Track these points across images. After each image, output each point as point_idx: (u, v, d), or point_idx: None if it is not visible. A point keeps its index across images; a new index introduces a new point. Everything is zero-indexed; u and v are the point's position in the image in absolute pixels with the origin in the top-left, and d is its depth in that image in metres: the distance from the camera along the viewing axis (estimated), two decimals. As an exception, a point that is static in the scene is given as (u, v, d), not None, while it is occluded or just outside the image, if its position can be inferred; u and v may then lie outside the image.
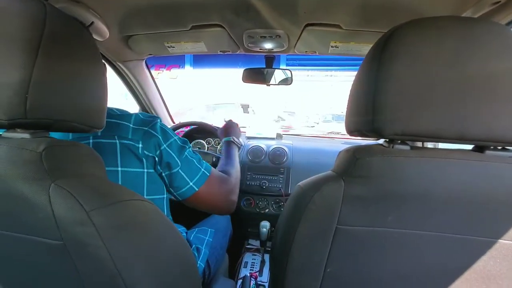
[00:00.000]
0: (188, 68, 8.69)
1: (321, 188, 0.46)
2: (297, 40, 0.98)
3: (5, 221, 0.41)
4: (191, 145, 0.74)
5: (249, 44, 1.03)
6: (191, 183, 0.67)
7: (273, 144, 1.54)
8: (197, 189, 0.68)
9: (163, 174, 0.64)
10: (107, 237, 0.39)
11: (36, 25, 0.39)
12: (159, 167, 0.63)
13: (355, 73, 0.51)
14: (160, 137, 0.63)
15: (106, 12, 0.86)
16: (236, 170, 0.91)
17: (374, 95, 0.43)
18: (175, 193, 0.68)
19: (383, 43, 0.43)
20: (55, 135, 0.46)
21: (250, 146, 1.51)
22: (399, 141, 0.45)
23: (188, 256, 0.57)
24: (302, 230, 0.49)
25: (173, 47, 1.08)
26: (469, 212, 0.44)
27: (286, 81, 1.20)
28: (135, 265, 0.42)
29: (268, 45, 1.02)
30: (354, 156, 0.45)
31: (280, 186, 1.37)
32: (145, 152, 0.60)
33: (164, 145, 0.63)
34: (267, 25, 0.90)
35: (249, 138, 1.69)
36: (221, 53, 1.13)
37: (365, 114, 0.45)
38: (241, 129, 1.81)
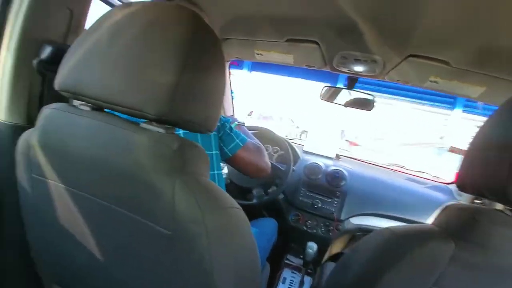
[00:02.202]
0: (245, 70, 8.73)
1: (426, 243, 0.43)
2: (393, 68, 0.94)
3: (130, 202, 0.46)
4: None
5: (338, 64, 1.01)
6: (237, 140, 0.84)
7: (332, 164, 1.50)
8: (242, 145, 0.85)
9: (219, 135, 0.83)
10: (212, 239, 0.41)
11: (186, 33, 0.43)
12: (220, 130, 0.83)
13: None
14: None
15: (214, 15, 0.92)
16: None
17: None
18: (226, 149, 0.84)
19: None
20: None
21: (308, 162, 1.48)
22: None
23: (258, 263, 0.58)
24: (388, 280, 0.46)
25: (261, 54, 1.12)
26: None
27: (367, 106, 1.15)
28: (225, 269, 0.44)
29: (358, 68, 0.99)
30: (473, 218, 0.41)
31: (333, 209, 1.33)
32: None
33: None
34: (366, 49, 0.87)
35: (306, 152, 1.67)
36: (306, 67, 1.13)
37: (497, 177, 0.40)
38: (299, 142, 1.80)
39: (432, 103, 6.86)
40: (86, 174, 0.48)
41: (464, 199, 1.26)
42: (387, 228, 0.52)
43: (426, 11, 0.65)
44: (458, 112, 6.82)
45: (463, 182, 0.48)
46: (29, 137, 0.53)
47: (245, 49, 1.12)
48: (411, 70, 0.90)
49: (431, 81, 0.92)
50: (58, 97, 0.72)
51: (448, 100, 6.61)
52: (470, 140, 0.48)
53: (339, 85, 1.19)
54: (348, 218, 1.33)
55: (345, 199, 1.34)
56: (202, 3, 0.87)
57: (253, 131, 1.65)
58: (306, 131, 6.58)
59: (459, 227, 0.43)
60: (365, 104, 1.15)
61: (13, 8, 0.61)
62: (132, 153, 0.43)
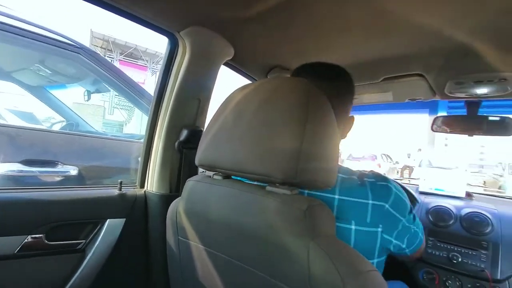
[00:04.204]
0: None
1: None
2: None
3: (263, 264, 0.47)
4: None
5: (451, 91, 0.90)
6: (420, 235, 0.65)
7: (465, 206, 1.22)
8: (423, 240, 0.67)
9: (395, 241, 0.57)
10: None
11: (302, 100, 0.46)
12: (393, 240, 0.57)
13: None
14: (398, 215, 0.55)
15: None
16: None
17: None
18: (407, 249, 0.61)
19: None
20: None
21: (432, 206, 1.25)
22: None
23: None
24: None
25: (356, 98, 1.10)
26: None
27: (504, 130, 0.93)
28: None
29: (481, 90, 0.85)
30: None
31: (483, 265, 1.03)
32: (384, 236, 0.54)
33: (403, 221, 0.56)
34: (490, 68, 0.75)
35: (423, 193, 1.42)
36: (409, 101, 1.04)
37: None
38: (413, 181, 1.57)
39: None
40: (222, 236, 0.53)
41: None
42: None
43: None
44: None
45: None
46: (176, 205, 0.63)
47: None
48: None
49: None
50: (192, 168, 0.88)
51: None
52: None
53: (443, 113, 1.02)
54: (510, 277, 1.00)
55: (498, 251, 1.03)
56: (294, 68, 0.95)
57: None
58: (409, 167, 5.70)
59: None
60: (500, 128, 0.93)
61: (163, 105, 0.81)
62: (263, 215, 0.46)
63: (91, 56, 1.38)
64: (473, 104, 0.98)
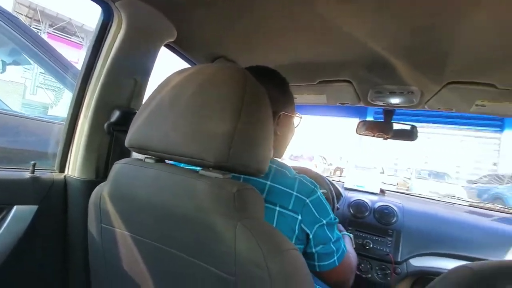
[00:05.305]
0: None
1: None
2: (432, 97, 0.93)
3: (191, 245, 0.47)
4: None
5: (372, 98, 1.03)
6: (335, 257, 0.63)
7: (378, 200, 1.41)
8: (337, 264, 0.64)
9: (314, 250, 0.62)
10: (277, 284, 0.40)
11: (239, 88, 0.48)
12: (312, 245, 0.61)
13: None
14: (317, 214, 0.60)
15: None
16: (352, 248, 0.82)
17: None
18: (316, 264, 0.64)
19: None
20: None
21: (352, 200, 1.42)
22: None
23: None
24: None
25: (295, 98, 1.17)
26: None
27: (409, 136, 1.12)
28: None
29: (395, 100, 1.00)
30: None
31: (388, 250, 1.21)
32: (301, 225, 0.59)
33: (320, 224, 0.60)
34: (401, 82, 0.88)
35: (347, 189, 1.60)
36: (340, 105, 1.16)
37: None
38: (339, 179, 1.75)
39: (477, 127, 6.70)
40: (150, 220, 0.51)
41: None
42: (464, 266, 0.47)
43: (464, 38, 0.65)
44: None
45: None
46: (101, 189, 0.58)
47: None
48: (453, 97, 0.89)
49: (477, 105, 0.88)
50: (123, 153, 0.82)
51: (495, 123, 6.40)
52: None
53: (370, 118, 1.18)
54: (407, 259, 1.20)
55: (399, 237, 1.23)
56: (239, 62, 0.97)
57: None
58: (340, 168, 6.45)
59: None
60: (407, 135, 1.12)
61: (91, 81, 0.74)
62: (194, 198, 0.46)
63: (8, 19, 1.17)
64: (389, 112, 1.15)
